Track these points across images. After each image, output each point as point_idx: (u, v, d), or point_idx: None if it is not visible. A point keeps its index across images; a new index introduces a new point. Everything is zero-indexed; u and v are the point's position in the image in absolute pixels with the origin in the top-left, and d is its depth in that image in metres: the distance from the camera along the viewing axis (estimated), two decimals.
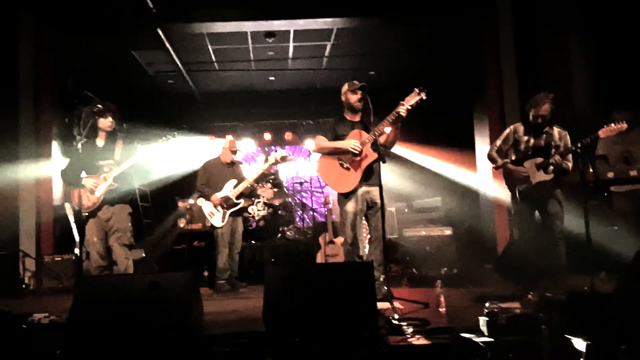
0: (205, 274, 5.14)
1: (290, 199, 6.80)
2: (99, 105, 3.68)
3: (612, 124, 3.36)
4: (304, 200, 6.95)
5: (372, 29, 6.23)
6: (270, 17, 5.71)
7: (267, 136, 8.29)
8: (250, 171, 5.00)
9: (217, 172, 4.91)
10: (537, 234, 3.75)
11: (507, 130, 3.85)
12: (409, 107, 3.31)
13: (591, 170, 3.19)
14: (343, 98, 3.72)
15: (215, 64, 7.26)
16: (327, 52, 6.97)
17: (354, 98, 3.62)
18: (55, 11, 5.53)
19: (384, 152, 3.46)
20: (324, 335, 2.40)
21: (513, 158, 3.86)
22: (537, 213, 3.80)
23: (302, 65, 7.42)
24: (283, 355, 2.34)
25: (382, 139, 3.52)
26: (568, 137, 3.69)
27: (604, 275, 3.86)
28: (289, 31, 6.21)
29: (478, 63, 5.82)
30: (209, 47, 6.64)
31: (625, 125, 3.32)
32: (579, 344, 1.99)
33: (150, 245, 6.10)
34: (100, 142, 3.76)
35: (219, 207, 4.73)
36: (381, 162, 3.43)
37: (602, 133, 3.39)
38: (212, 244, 4.94)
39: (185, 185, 6.59)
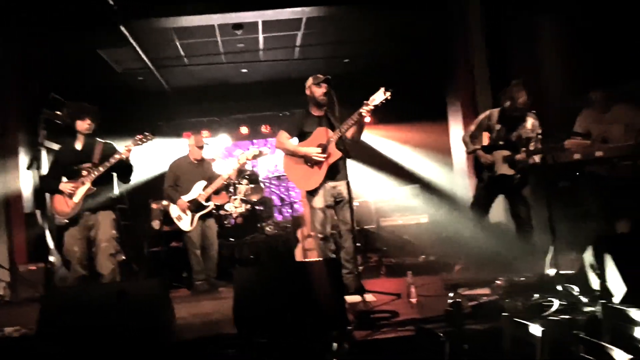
0: (184, 275, 5.08)
1: (268, 194, 6.77)
2: (73, 107, 3.58)
3: (579, 138, 3.46)
4: (282, 195, 6.92)
5: (342, 16, 6.15)
6: (237, 9, 5.61)
7: (244, 130, 8.19)
8: (225, 168, 4.89)
9: (186, 172, 4.74)
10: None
11: (482, 116, 3.89)
12: (373, 107, 3.33)
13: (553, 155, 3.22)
14: (307, 92, 3.67)
15: (185, 58, 7.14)
16: (298, 42, 6.89)
17: (318, 92, 3.58)
18: (14, 13, 5.36)
19: (349, 148, 3.47)
20: (293, 334, 2.41)
21: (486, 143, 3.87)
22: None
23: (275, 56, 7.33)
24: (253, 357, 2.36)
25: (347, 134, 3.51)
26: (539, 129, 3.65)
27: (574, 255, 3.94)
28: (257, 22, 6.12)
29: (449, 49, 5.81)
30: (177, 41, 6.52)
31: (588, 142, 3.40)
32: (535, 329, 2.01)
33: (130, 248, 6.03)
34: (78, 145, 3.64)
35: (187, 211, 4.61)
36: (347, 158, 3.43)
37: (567, 144, 3.47)
38: (185, 245, 4.83)
39: (159, 185, 6.52)
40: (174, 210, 4.68)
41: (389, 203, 5.87)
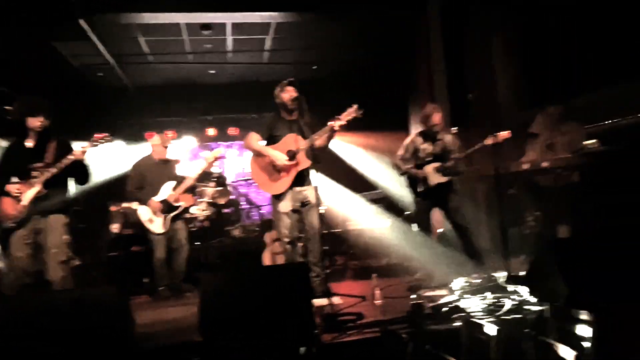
0: (146, 280, 4.91)
1: (235, 197, 6.74)
2: (24, 103, 3.34)
3: (501, 132, 3.77)
4: (250, 198, 6.90)
5: (310, 23, 6.23)
6: (204, 9, 5.52)
7: (211, 131, 8.09)
8: (191, 170, 4.78)
9: (152, 173, 4.55)
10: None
11: (407, 141, 4.26)
12: (344, 123, 3.44)
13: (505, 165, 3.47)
14: (277, 100, 3.73)
15: (149, 56, 6.96)
16: (267, 46, 6.92)
17: (285, 97, 3.64)
18: None
19: (317, 156, 3.57)
20: (260, 340, 2.44)
21: (411, 165, 4.22)
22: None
23: (243, 58, 7.30)
24: None
25: (316, 144, 3.59)
26: (458, 142, 4.16)
27: (523, 259, 4.21)
28: (225, 24, 6.09)
29: (412, 61, 6.03)
30: (141, 38, 6.35)
31: (502, 137, 3.72)
32: (490, 329, 2.17)
33: (86, 252, 5.81)
34: (29, 143, 3.38)
35: (159, 213, 4.45)
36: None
37: (490, 140, 3.80)
38: (152, 249, 4.60)
39: (118, 187, 6.34)
40: (145, 213, 4.47)
41: (355, 207, 6.00)
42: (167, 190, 4.53)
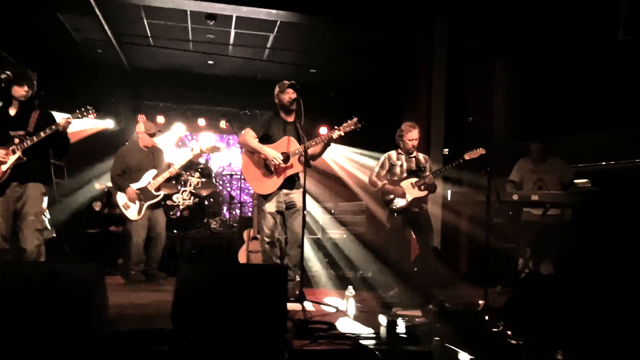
0: (120, 261, 4.87)
1: (219, 190, 6.65)
2: (12, 71, 3.30)
3: (475, 149, 3.91)
4: (233, 193, 6.83)
5: (316, 26, 6.23)
6: None
7: (202, 122, 7.99)
8: (177, 157, 4.74)
9: (136, 160, 4.56)
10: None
11: (382, 158, 4.32)
12: (342, 134, 3.49)
13: (497, 193, 3.50)
14: (276, 100, 3.73)
15: (150, 39, 6.88)
16: (269, 44, 6.88)
17: (285, 98, 3.64)
18: None
19: (310, 162, 3.57)
20: (232, 337, 2.40)
21: (387, 181, 4.27)
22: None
23: (244, 53, 7.25)
24: (187, 356, 2.31)
25: (310, 150, 3.59)
26: (429, 160, 4.38)
27: (500, 288, 4.25)
28: (231, 16, 6.05)
29: (412, 76, 6.06)
30: (144, 20, 6.28)
31: (478, 152, 3.86)
32: (464, 357, 2.16)
33: (63, 225, 5.70)
34: (12, 110, 3.39)
35: (135, 200, 4.44)
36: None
37: (467, 156, 3.95)
38: (130, 232, 4.62)
39: (106, 165, 6.22)
40: (121, 198, 4.49)
41: (336, 215, 5.98)
42: (147, 178, 4.55)
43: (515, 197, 3.79)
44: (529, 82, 5.18)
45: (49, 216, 3.55)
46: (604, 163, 4.45)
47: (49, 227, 3.55)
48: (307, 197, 3.47)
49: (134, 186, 4.48)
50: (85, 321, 2.28)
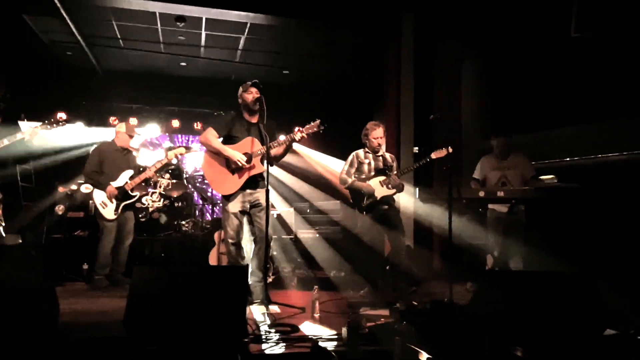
0: (85, 267, 4.75)
1: (190, 191, 6.54)
2: None
3: (442, 149, 3.92)
4: (205, 195, 6.71)
5: (286, 28, 6.21)
6: (180, 1, 5.45)
7: (175, 123, 7.88)
8: (150, 160, 4.68)
9: (112, 159, 4.51)
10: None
11: (351, 157, 4.34)
12: (305, 136, 3.50)
13: (458, 190, 3.51)
14: (240, 100, 3.69)
15: (121, 41, 6.76)
16: (241, 45, 6.83)
17: (249, 98, 3.60)
18: None
19: (272, 162, 3.56)
20: (187, 342, 2.33)
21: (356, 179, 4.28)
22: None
23: (216, 55, 7.18)
24: None
25: (272, 152, 3.58)
26: (395, 159, 4.41)
27: (470, 285, 4.25)
28: (201, 18, 5.98)
29: (381, 75, 6.07)
30: (113, 22, 6.17)
31: (445, 152, 3.87)
32: (424, 356, 2.12)
33: (29, 231, 5.52)
34: None
35: (113, 199, 4.38)
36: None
37: (434, 155, 3.99)
38: (95, 235, 4.57)
39: (70, 169, 6.05)
40: (99, 196, 4.41)
41: (308, 215, 5.93)
42: (124, 178, 4.52)
43: (481, 193, 3.80)
44: (496, 81, 5.23)
45: (3, 224, 3.43)
46: (568, 159, 4.50)
47: (3, 234, 3.43)
48: (280, 197, 3.43)
49: (114, 184, 4.42)
50: (33, 326, 2.20)
